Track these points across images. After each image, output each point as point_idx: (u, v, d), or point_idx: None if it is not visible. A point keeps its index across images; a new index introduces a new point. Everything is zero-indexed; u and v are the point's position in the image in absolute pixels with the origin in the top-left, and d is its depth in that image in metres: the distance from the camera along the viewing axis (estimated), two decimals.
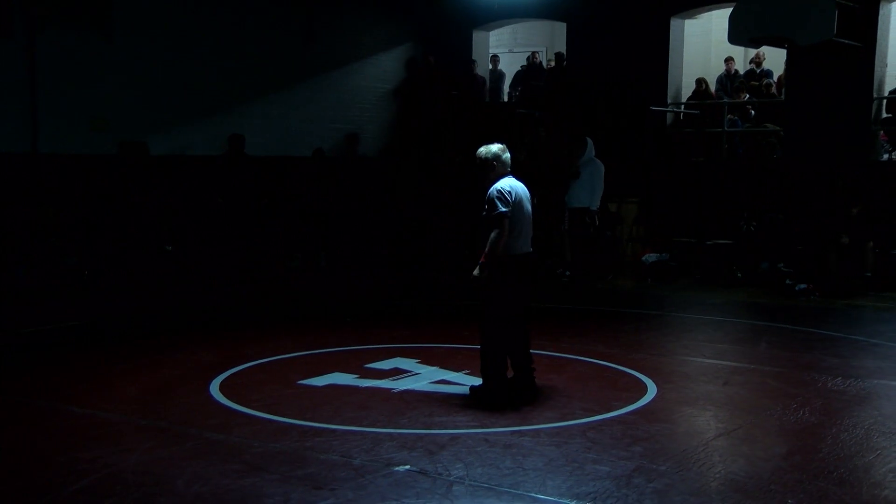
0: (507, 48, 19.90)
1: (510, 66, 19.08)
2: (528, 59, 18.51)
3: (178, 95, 13.55)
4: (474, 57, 17.73)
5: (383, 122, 17.07)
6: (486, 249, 6.45)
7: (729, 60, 15.90)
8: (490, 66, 18.49)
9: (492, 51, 18.84)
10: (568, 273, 13.46)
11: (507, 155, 6.75)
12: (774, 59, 15.55)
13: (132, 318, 10.16)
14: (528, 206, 6.73)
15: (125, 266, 12.15)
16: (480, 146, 6.81)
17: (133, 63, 13.00)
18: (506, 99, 18.45)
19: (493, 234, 6.43)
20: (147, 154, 12.91)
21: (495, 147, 6.74)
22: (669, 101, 15.70)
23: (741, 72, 16.28)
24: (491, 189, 6.59)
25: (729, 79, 15.84)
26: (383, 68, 17.01)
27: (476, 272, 6.49)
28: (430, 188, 15.47)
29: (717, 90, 15.93)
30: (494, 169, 6.69)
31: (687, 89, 15.97)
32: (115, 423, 6.13)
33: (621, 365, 7.92)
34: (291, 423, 6.11)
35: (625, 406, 6.61)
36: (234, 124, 14.03)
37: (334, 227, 14.46)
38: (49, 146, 12.12)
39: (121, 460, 5.35)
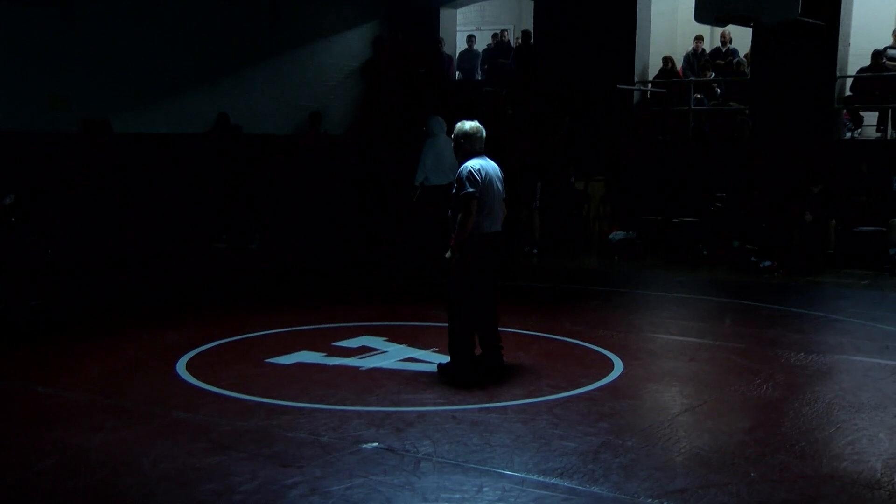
0: (474, 26, 19.81)
1: (477, 44, 19.00)
2: (493, 36, 18.46)
3: (140, 73, 13.31)
4: (441, 35, 17.64)
5: (350, 100, 16.95)
6: (455, 231, 6.44)
7: (698, 39, 15.95)
8: (466, 46, 18.41)
9: (459, 29, 18.74)
10: (536, 251, 13.53)
11: (481, 135, 6.67)
12: (740, 37, 15.63)
13: (95, 299, 10.05)
14: (499, 186, 6.69)
15: (89, 246, 12.00)
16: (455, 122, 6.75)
17: (94, 40, 12.75)
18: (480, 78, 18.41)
19: (460, 216, 6.42)
20: (110, 131, 12.72)
21: (468, 125, 6.66)
22: (636, 79, 15.74)
23: (710, 51, 16.34)
24: (461, 168, 6.56)
25: (696, 57, 15.90)
26: (350, 46, 16.88)
27: (448, 254, 6.49)
28: (396, 166, 15.40)
29: (683, 68, 15.98)
30: (461, 147, 6.66)
31: (654, 68, 16.01)
32: (79, 403, 6.08)
33: (588, 342, 7.97)
34: (259, 402, 6.08)
35: (591, 383, 6.66)
36: (197, 102, 13.86)
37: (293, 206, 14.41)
38: (8, 123, 11.89)
39: (85, 440, 5.31)
